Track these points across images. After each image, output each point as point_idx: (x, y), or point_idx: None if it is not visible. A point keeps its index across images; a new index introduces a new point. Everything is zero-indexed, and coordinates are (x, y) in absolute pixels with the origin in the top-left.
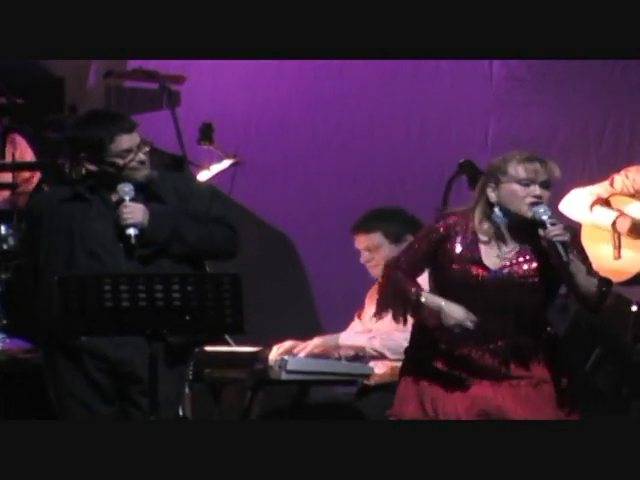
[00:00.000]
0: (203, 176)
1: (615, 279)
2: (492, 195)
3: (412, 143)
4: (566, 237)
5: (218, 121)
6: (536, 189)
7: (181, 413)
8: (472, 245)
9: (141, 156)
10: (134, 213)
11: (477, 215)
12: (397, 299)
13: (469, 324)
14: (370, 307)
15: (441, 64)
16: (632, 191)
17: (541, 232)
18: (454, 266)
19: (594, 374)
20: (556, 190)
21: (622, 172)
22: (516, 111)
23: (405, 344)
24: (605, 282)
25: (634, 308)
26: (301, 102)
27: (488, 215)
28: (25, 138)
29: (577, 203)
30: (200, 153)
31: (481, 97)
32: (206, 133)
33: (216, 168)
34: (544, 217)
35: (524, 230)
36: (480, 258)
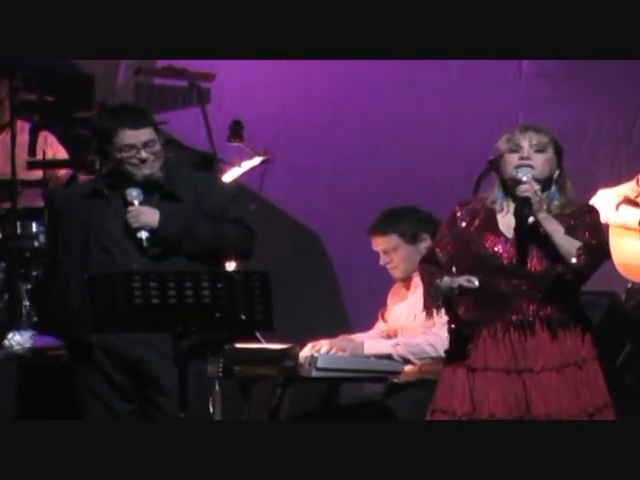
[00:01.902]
0: (234, 173)
1: None
2: (499, 172)
3: (440, 140)
4: (528, 193)
5: (248, 118)
6: (523, 153)
7: (211, 410)
8: (488, 217)
9: (143, 154)
10: (137, 216)
11: (493, 192)
12: (425, 292)
13: (471, 284)
14: (393, 306)
15: (470, 61)
16: None
17: (515, 191)
18: (472, 239)
19: (624, 371)
20: (586, 186)
21: None
22: (545, 108)
23: (427, 348)
24: (588, 246)
25: None
26: (330, 99)
27: (501, 190)
28: (55, 135)
29: (604, 204)
30: (230, 150)
31: (510, 94)
32: (236, 131)
33: (247, 165)
34: (520, 176)
35: None
36: (497, 227)
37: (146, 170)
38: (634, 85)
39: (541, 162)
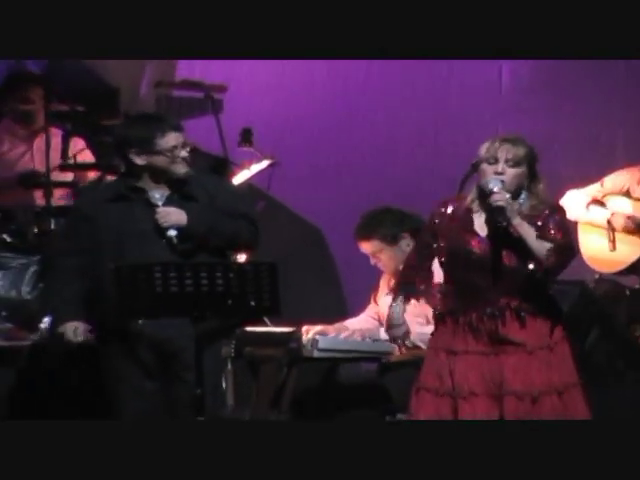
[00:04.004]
0: (244, 175)
1: (611, 269)
2: (477, 175)
3: (428, 145)
4: (502, 203)
5: (257, 126)
6: (498, 167)
7: (224, 385)
8: (465, 216)
9: (184, 153)
10: (167, 216)
11: (471, 193)
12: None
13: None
14: (383, 292)
15: (455, 73)
16: (620, 189)
17: (488, 200)
18: (451, 237)
19: (593, 351)
20: (556, 187)
21: (612, 174)
22: (522, 117)
23: None
24: (557, 248)
25: (627, 293)
26: (330, 108)
27: (477, 194)
28: (84, 141)
29: (574, 204)
30: (241, 155)
31: (491, 104)
32: (246, 137)
33: (256, 168)
34: (491, 187)
35: None
36: (472, 226)
37: (184, 169)
38: (600, 100)
39: (512, 176)
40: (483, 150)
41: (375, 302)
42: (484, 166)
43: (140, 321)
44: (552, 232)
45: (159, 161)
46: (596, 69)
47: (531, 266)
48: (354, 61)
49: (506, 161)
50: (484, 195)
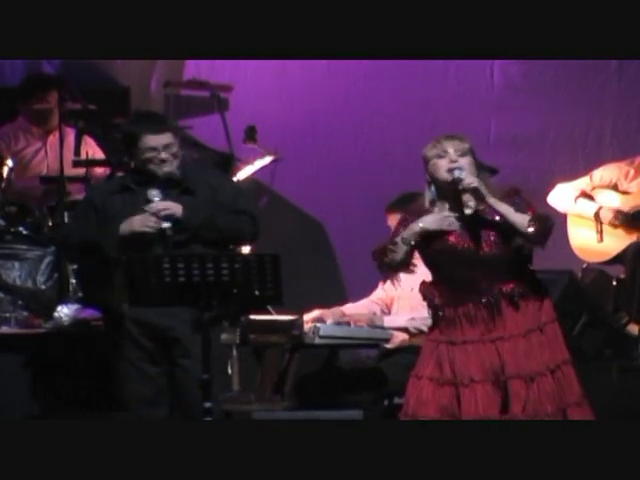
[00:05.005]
0: (248, 171)
1: (598, 259)
2: (427, 177)
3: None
4: (475, 183)
5: (261, 123)
6: (451, 157)
7: (229, 372)
8: None
9: (163, 155)
10: (164, 209)
11: (426, 197)
12: (382, 254)
13: (451, 219)
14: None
15: (449, 75)
16: (608, 183)
17: (460, 187)
18: (429, 240)
19: (581, 338)
20: (547, 182)
21: (600, 168)
22: (513, 115)
23: None
24: (537, 217)
25: (614, 283)
26: (330, 107)
27: (434, 193)
28: (95, 139)
29: (563, 197)
30: (245, 151)
31: (483, 103)
32: (250, 134)
33: (259, 164)
34: (457, 174)
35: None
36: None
37: (166, 168)
38: (590, 97)
39: (466, 163)
40: (429, 150)
41: (384, 289)
42: (435, 161)
43: (125, 307)
44: (524, 209)
45: (139, 160)
46: (588, 67)
47: (518, 241)
48: (353, 62)
49: (455, 152)
50: (441, 190)
